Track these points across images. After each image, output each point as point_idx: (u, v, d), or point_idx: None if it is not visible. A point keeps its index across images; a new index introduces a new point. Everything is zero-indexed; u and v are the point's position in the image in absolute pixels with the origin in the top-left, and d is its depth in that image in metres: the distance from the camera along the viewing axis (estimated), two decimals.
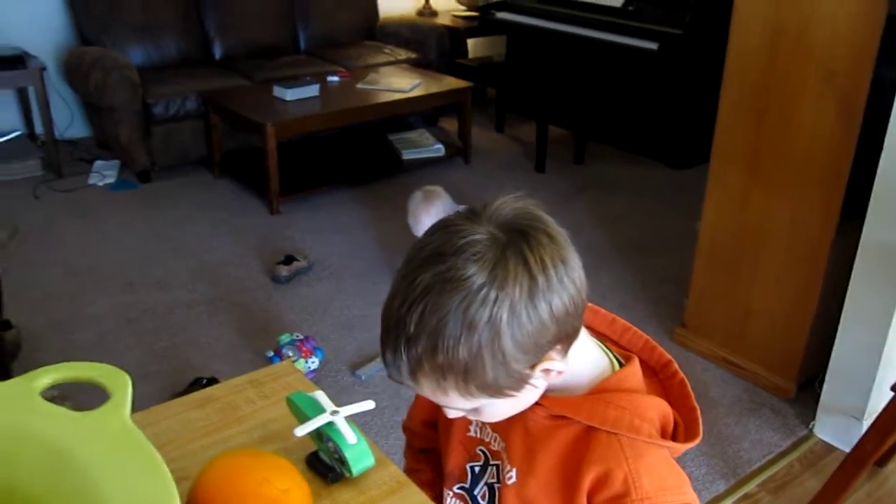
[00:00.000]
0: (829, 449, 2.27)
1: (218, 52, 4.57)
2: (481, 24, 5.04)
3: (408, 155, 4.24)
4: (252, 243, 3.41)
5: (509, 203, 0.78)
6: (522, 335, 0.73)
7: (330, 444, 0.88)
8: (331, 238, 3.47)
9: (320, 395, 0.91)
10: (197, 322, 2.82)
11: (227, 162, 4.11)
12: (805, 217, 2.27)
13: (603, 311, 0.99)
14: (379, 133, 4.56)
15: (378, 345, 0.79)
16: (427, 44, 4.82)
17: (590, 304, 0.99)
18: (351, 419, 0.89)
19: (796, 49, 2.16)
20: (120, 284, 3.07)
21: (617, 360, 0.91)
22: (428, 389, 0.76)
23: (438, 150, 4.31)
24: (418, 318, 0.71)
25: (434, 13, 5.43)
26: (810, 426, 2.34)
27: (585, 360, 0.87)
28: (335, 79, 4.20)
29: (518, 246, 0.73)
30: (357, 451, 0.86)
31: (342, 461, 0.87)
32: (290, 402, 0.92)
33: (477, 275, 0.71)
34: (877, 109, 2.03)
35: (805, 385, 2.46)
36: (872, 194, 2.03)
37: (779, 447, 2.27)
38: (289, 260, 3.13)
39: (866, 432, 1.83)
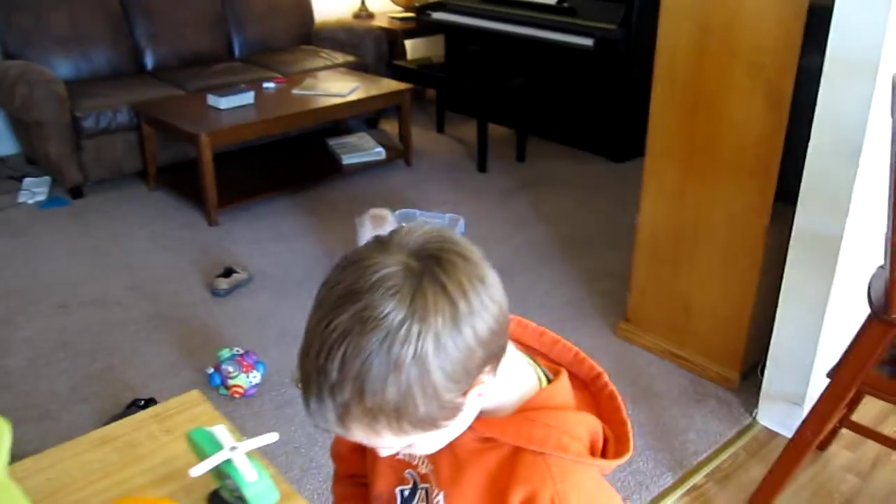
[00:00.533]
0: (773, 435, 2.30)
1: (150, 63, 4.45)
2: (418, 25, 5.02)
3: (348, 160, 4.19)
4: (190, 256, 3.33)
5: (416, 229, 0.76)
6: (451, 365, 0.70)
7: (229, 482, 0.84)
8: (271, 248, 3.41)
9: (220, 431, 0.87)
10: (135, 341, 2.74)
11: (163, 174, 4.01)
12: (740, 209, 2.30)
13: (532, 324, 0.98)
14: (318, 138, 4.50)
15: None
16: (364, 46, 4.78)
17: (518, 318, 0.98)
18: (255, 453, 0.85)
19: (724, 45, 2.19)
20: (52, 305, 2.97)
21: (546, 375, 0.89)
22: (359, 434, 0.73)
23: (379, 153, 4.27)
24: (340, 364, 0.68)
25: (370, 15, 5.39)
26: (753, 414, 2.37)
27: (513, 378, 0.85)
28: (271, 85, 4.13)
29: (433, 273, 0.70)
30: (257, 489, 0.82)
31: (242, 499, 0.83)
32: (189, 439, 0.88)
33: (396, 310, 0.68)
34: (804, 98, 2.06)
35: (749, 373, 2.50)
36: (802, 183, 2.06)
37: (724, 436, 2.29)
38: (228, 273, 3.06)
39: (806, 418, 1.85)
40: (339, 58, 4.70)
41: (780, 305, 2.21)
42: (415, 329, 0.68)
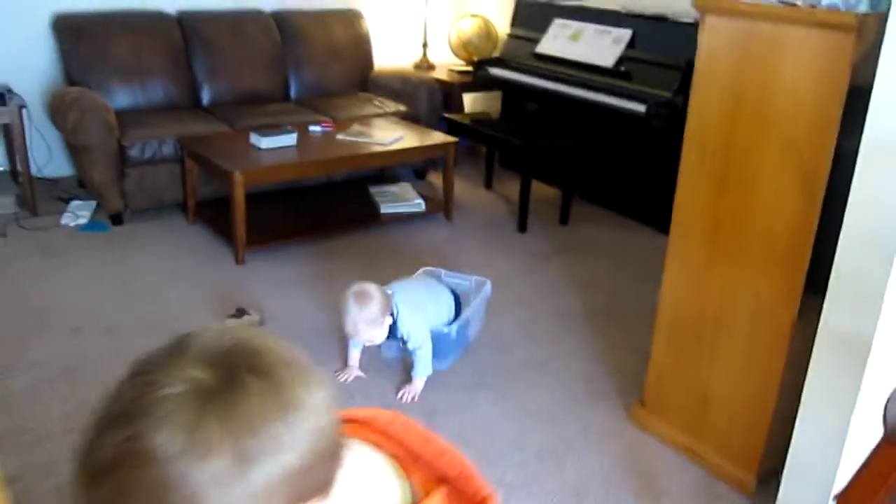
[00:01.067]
0: None
1: (206, 98, 4.54)
2: (475, 79, 4.98)
3: (386, 209, 4.13)
4: (210, 294, 3.30)
5: (228, 332, 0.65)
6: None
7: None
8: (290, 292, 3.35)
9: None
10: None
11: (203, 208, 4.03)
12: (766, 298, 2.11)
13: (419, 427, 0.86)
14: (362, 185, 4.47)
15: None
16: (417, 97, 4.76)
17: (406, 419, 0.86)
18: None
19: (757, 117, 2.03)
20: (67, 330, 2.96)
21: (412, 494, 0.76)
22: None
23: (419, 205, 4.20)
24: (100, 501, 0.58)
25: (431, 67, 5.39)
26: None
27: (358, 496, 0.73)
28: (317, 129, 4.13)
29: (223, 399, 0.59)
30: None
31: None
32: None
33: (169, 443, 0.57)
34: (840, 184, 1.89)
35: (768, 479, 2.27)
36: (831, 276, 1.87)
37: None
38: (240, 313, 3.01)
39: None
40: (392, 106, 4.69)
41: (801, 408, 1.99)
42: (190, 470, 0.56)
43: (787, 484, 2.08)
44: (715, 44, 2.10)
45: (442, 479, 0.84)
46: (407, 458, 0.84)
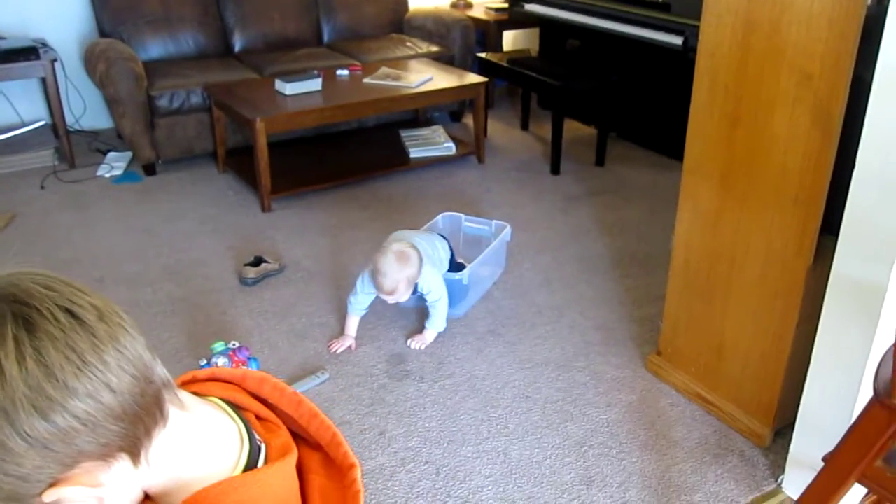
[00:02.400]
0: None
1: (237, 46, 4.50)
2: (511, 16, 4.79)
3: (416, 153, 4.06)
4: (233, 242, 3.31)
5: (11, 277, 0.61)
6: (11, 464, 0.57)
7: None
8: (313, 239, 3.33)
9: None
10: (151, 323, 2.73)
11: (233, 156, 4.03)
12: (780, 241, 1.97)
13: (289, 390, 0.81)
14: (393, 129, 4.39)
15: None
16: (451, 37, 4.61)
17: (277, 382, 0.82)
18: None
19: (769, 48, 1.87)
20: (91, 280, 3.02)
21: (266, 455, 0.72)
22: None
23: (449, 148, 4.10)
24: None
25: (468, 5, 5.22)
26: (779, 480, 2.04)
27: (184, 458, 0.69)
28: (345, 73, 4.06)
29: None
30: None
31: None
32: None
33: None
34: (859, 117, 1.72)
35: (785, 431, 2.15)
36: (844, 218, 1.72)
37: (736, 503, 1.98)
38: (257, 262, 3.01)
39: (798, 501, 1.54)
40: (425, 48, 4.57)
41: (812, 359, 1.87)
42: None
43: (799, 438, 1.97)
44: None
45: (318, 447, 0.79)
46: (272, 421, 0.79)
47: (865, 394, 1.78)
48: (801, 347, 2.01)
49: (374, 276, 2.47)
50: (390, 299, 2.53)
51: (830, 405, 1.86)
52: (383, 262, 2.44)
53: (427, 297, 2.59)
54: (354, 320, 2.63)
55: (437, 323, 2.60)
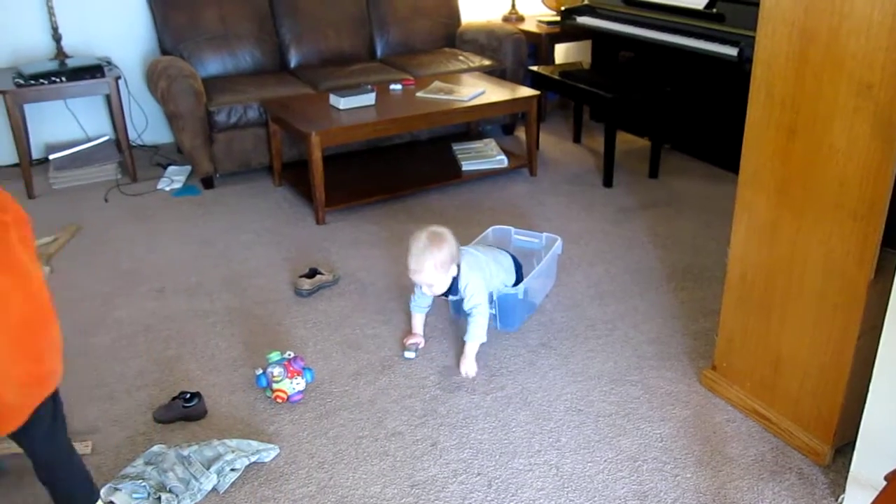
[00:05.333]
0: None
1: (293, 61, 4.60)
2: (563, 29, 4.80)
3: (468, 166, 4.08)
4: (289, 254, 3.37)
5: None
6: None
7: None
8: (366, 251, 3.38)
9: None
10: (209, 332, 2.80)
11: (289, 170, 4.11)
12: (840, 254, 1.93)
13: None
14: (446, 142, 4.43)
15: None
16: (503, 50, 4.64)
17: None
18: None
19: (827, 58, 1.84)
20: (151, 290, 3.11)
21: None
22: None
23: (500, 161, 4.12)
24: None
25: (520, 18, 5.24)
26: (840, 500, 1.99)
27: None
28: (398, 87, 4.11)
29: None
30: None
31: None
32: None
33: None
34: None
35: (845, 449, 2.11)
36: None
37: None
38: (312, 273, 3.06)
39: None
40: (477, 61, 4.60)
41: (874, 374, 1.83)
42: None
43: (860, 457, 1.92)
44: None
45: None
46: None
47: None
48: (861, 362, 1.96)
49: (408, 253, 2.47)
50: (426, 287, 2.51)
51: (893, 422, 1.81)
52: (414, 242, 2.46)
53: (466, 302, 2.54)
54: (418, 318, 2.70)
55: (475, 334, 2.52)
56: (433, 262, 2.43)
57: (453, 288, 2.55)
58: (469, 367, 2.52)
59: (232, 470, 2.09)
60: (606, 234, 3.48)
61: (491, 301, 2.66)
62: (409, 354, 2.62)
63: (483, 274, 2.60)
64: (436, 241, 2.44)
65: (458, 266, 2.53)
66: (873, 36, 1.73)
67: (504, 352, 2.64)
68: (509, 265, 2.76)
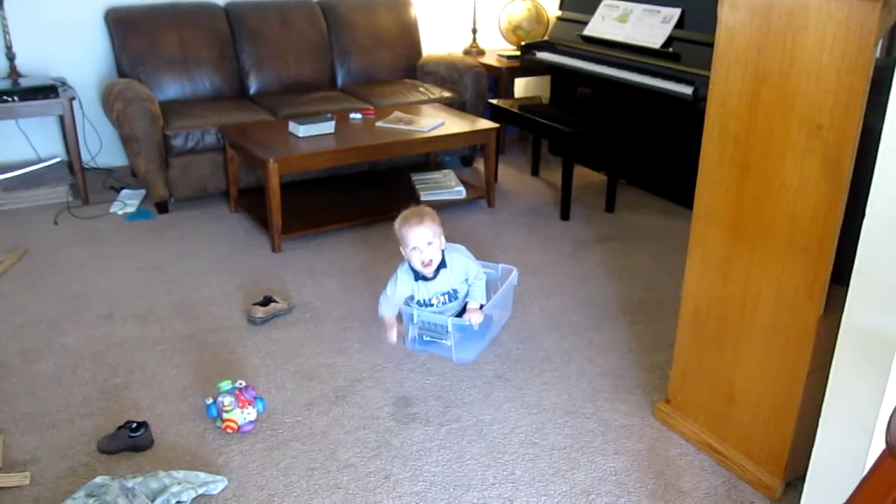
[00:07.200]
0: None
1: (253, 88, 4.58)
2: (522, 63, 4.86)
3: (426, 196, 4.08)
4: (243, 281, 3.32)
5: None
6: None
7: None
8: (322, 280, 3.34)
9: None
10: (158, 360, 2.73)
11: (245, 196, 4.07)
12: (790, 289, 1.96)
13: None
14: (405, 173, 4.43)
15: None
16: (463, 83, 4.68)
17: None
18: None
19: (779, 98, 1.89)
20: (100, 316, 3.03)
21: None
22: None
23: (459, 192, 4.13)
24: None
25: (481, 52, 5.30)
26: None
27: None
28: (358, 116, 4.11)
29: None
30: None
31: None
32: None
33: None
34: (870, 167, 1.73)
35: (796, 483, 2.12)
36: (854, 268, 1.72)
37: None
38: (266, 301, 3.01)
39: None
40: (437, 93, 4.63)
41: (823, 410, 1.85)
42: None
43: (810, 491, 1.94)
44: (734, 21, 1.96)
45: None
46: None
47: (878, 446, 1.76)
48: (812, 397, 1.99)
49: (401, 234, 2.68)
50: (425, 260, 2.66)
51: (842, 457, 1.83)
52: (406, 222, 2.68)
53: (470, 282, 2.80)
54: (388, 318, 2.79)
55: (477, 296, 2.79)
56: (431, 232, 2.66)
57: (443, 262, 2.74)
58: (477, 318, 2.72)
59: (178, 502, 2.03)
60: (563, 267, 3.50)
61: (446, 332, 2.67)
62: (393, 338, 2.75)
63: (461, 255, 2.82)
64: (426, 213, 2.70)
65: (443, 256, 2.76)
66: (822, 79, 1.78)
67: (460, 383, 2.62)
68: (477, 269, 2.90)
